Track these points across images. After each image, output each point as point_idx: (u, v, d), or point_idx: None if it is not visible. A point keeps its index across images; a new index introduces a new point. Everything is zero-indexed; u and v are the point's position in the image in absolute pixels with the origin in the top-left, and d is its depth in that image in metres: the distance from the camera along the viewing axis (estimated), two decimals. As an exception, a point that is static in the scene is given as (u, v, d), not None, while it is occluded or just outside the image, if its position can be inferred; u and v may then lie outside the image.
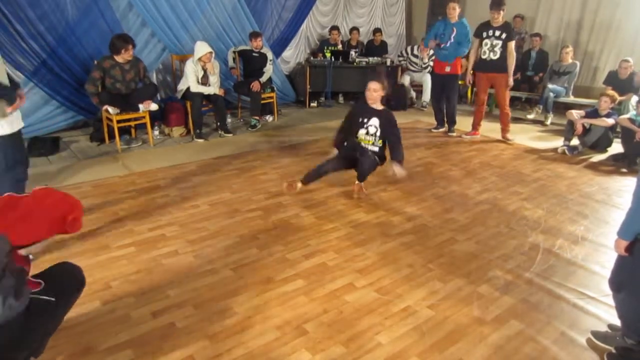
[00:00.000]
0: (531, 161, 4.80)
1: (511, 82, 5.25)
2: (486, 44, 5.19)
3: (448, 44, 5.39)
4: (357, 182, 3.69)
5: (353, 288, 2.48)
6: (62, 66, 4.93)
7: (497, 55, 5.13)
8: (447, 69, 5.52)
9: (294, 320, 2.20)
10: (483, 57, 5.26)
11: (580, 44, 7.05)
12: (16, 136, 2.64)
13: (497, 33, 5.09)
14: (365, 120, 3.62)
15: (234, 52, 6.01)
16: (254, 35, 5.82)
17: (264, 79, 5.87)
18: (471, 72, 5.53)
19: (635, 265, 1.84)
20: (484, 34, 5.19)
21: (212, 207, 3.45)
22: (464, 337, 2.12)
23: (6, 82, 2.86)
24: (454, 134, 5.78)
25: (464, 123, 5.99)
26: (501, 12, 5.02)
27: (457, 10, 5.31)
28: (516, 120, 6.57)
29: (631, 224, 1.78)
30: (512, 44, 5.06)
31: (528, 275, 2.66)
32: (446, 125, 5.91)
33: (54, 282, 1.64)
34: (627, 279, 1.91)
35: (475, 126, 5.69)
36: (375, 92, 3.52)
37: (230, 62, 6.04)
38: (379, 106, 3.61)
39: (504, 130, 5.54)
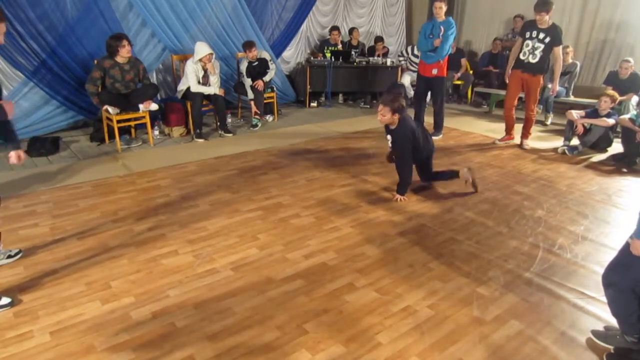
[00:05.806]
0: (531, 161, 4.80)
1: (556, 87, 5.13)
2: (527, 45, 4.87)
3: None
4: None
5: (353, 288, 2.47)
6: (62, 66, 4.93)
7: (537, 59, 4.83)
8: (434, 72, 5.27)
9: (294, 320, 2.20)
10: (522, 57, 4.94)
11: (581, 44, 7.06)
12: None
13: (542, 35, 4.77)
14: (387, 135, 3.76)
15: (244, 77, 5.82)
16: (247, 46, 5.66)
17: (267, 78, 5.87)
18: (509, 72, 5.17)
19: (631, 262, 1.85)
20: (527, 34, 4.86)
21: (212, 207, 3.45)
22: (464, 337, 2.12)
23: None
24: (439, 137, 5.55)
25: (459, 123, 5.97)
26: (544, 13, 4.65)
27: (444, 8, 5.16)
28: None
29: None
30: (558, 49, 4.77)
31: (528, 275, 2.66)
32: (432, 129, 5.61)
33: None
34: (619, 275, 1.92)
35: (509, 130, 5.44)
36: (381, 115, 3.55)
37: (249, 81, 5.78)
38: (392, 124, 3.61)
39: (526, 135, 5.31)
